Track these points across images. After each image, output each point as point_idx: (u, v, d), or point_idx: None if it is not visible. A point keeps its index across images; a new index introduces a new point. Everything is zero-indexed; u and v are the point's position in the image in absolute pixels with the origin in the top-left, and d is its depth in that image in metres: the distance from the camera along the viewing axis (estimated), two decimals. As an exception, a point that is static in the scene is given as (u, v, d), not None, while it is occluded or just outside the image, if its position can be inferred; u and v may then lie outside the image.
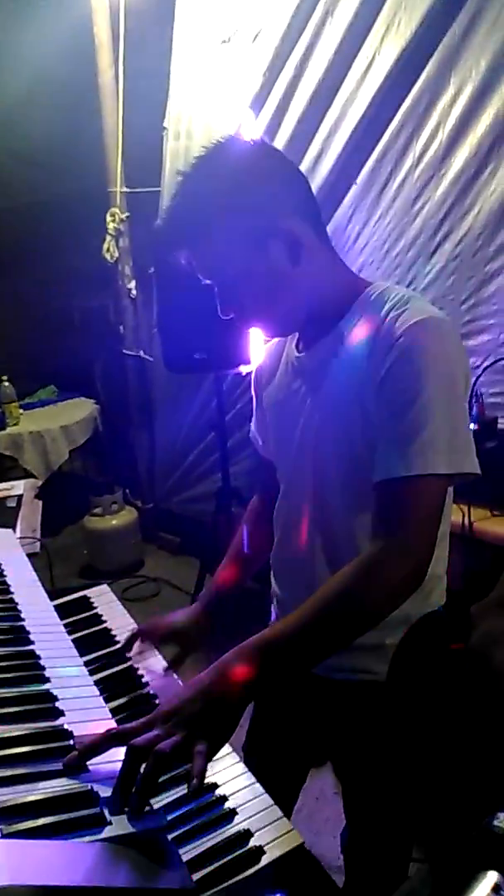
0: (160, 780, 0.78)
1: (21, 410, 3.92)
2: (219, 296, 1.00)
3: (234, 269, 0.96)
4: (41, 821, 0.69)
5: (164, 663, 1.13)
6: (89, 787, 0.75)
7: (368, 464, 0.92)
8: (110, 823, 0.72)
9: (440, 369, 0.88)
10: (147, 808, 0.76)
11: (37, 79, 3.31)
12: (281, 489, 1.16)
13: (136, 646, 1.14)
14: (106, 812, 0.73)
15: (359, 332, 0.96)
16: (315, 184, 2.68)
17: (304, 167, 2.71)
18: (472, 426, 1.82)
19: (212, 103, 3.04)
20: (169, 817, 0.78)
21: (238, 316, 1.01)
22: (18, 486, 2.18)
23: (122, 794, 0.75)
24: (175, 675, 1.12)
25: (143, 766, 0.75)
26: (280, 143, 2.78)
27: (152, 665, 1.14)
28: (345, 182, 2.58)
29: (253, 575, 1.30)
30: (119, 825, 0.72)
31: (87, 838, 0.69)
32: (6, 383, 3.79)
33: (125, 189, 3.57)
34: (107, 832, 0.71)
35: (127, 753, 0.76)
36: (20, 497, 2.10)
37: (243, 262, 0.95)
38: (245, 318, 1.03)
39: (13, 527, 1.85)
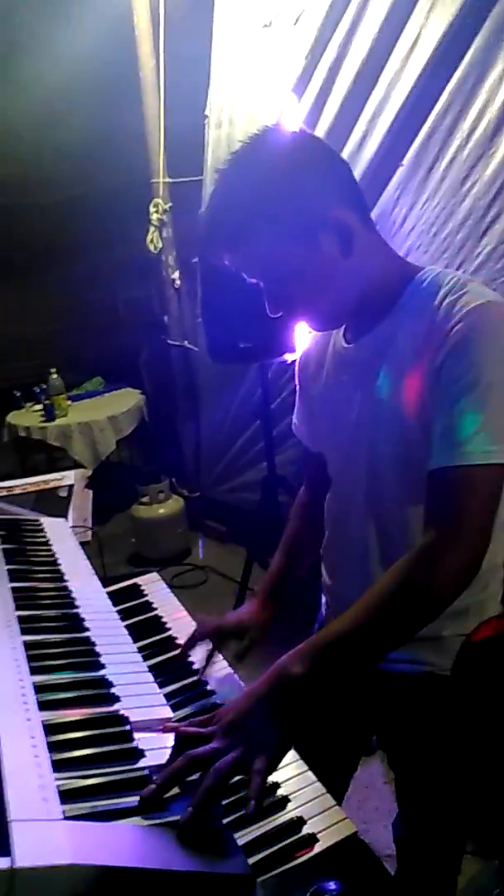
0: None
1: (69, 402, 3.99)
2: (267, 295, 0.97)
3: (283, 267, 0.94)
4: (101, 803, 0.71)
5: (218, 655, 1.13)
6: (147, 773, 0.77)
7: (425, 455, 0.90)
8: (169, 810, 0.73)
9: (499, 355, 0.85)
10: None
11: (77, 71, 3.34)
12: (333, 481, 1.14)
13: (198, 648, 1.13)
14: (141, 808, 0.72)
15: (412, 321, 0.93)
16: (360, 167, 2.64)
17: (348, 150, 2.67)
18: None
19: (254, 89, 3.01)
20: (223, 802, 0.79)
21: (287, 313, 0.99)
22: (69, 477, 2.22)
23: (162, 790, 0.73)
24: (222, 658, 1.12)
25: (197, 776, 0.74)
26: (323, 126, 2.75)
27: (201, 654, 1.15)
28: (391, 164, 2.53)
29: (306, 567, 1.29)
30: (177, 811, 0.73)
31: (147, 822, 0.70)
32: (54, 376, 3.86)
33: (168, 179, 3.58)
34: (166, 816, 0.72)
35: (182, 760, 0.74)
36: (71, 487, 2.14)
37: (293, 259, 0.92)
38: (294, 315, 1.01)
39: (65, 516, 1.89)
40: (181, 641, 1.16)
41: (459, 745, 1.09)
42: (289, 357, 2.80)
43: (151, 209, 3.59)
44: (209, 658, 1.12)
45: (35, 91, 3.43)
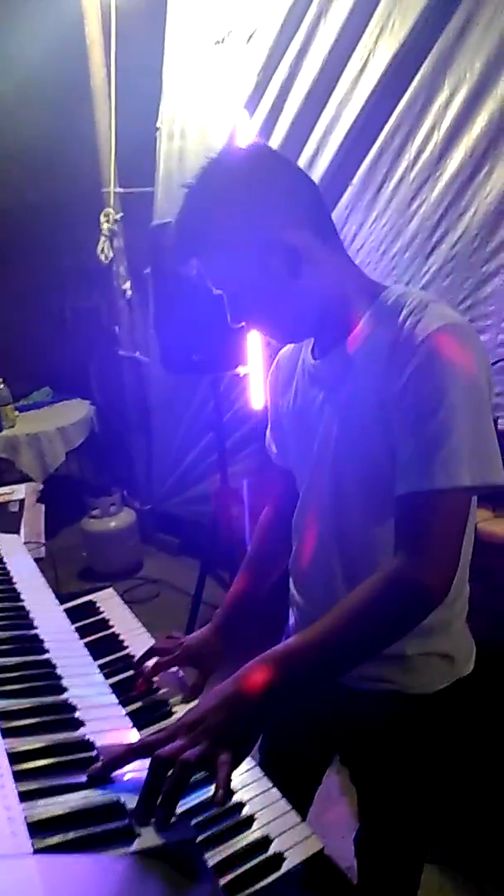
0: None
1: (16, 413, 3.90)
2: (228, 305, 1.00)
3: (238, 282, 0.97)
4: (71, 835, 0.69)
5: (174, 668, 1.13)
6: (117, 799, 0.76)
7: (389, 473, 0.91)
8: (139, 835, 0.72)
9: (462, 377, 0.85)
10: (173, 819, 0.76)
11: (27, 78, 3.29)
12: (300, 497, 1.14)
13: (151, 664, 1.11)
14: (134, 824, 0.73)
15: (376, 340, 0.94)
16: (311, 184, 2.68)
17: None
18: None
19: (206, 103, 3.03)
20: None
21: (247, 325, 1.02)
22: (20, 490, 2.18)
23: (147, 804, 0.75)
24: (182, 674, 1.12)
25: (168, 776, 0.76)
26: (275, 143, 2.77)
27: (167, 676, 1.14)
28: (341, 183, 2.58)
29: (268, 589, 1.28)
30: (148, 837, 0.72)
31: (118, 851, 0.69)
32: (1, 385, 3.77)
33: (119, 189, 3.56)
34: (136, 844, 0.71)
35: (151, 764, 0.76)
36: (22, 501, 2.10)
37: (245, 276, 0.96)
38: (254, 326, 1.04)
39: (16, 531, 1.84)
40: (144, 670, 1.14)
41: (422, 764, 1.11)
42: (241, 370, 2.81)
43: (102, 219, 3.56)
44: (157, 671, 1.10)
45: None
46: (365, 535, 1.00)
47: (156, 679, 1.09)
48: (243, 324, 1.01)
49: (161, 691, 1.09)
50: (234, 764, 0.79)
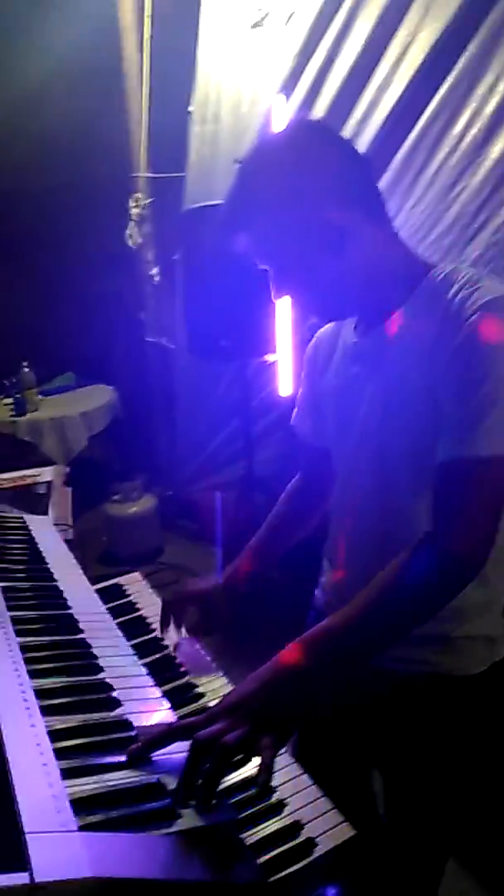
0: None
1: (40, 397, 3.91)
2: (272, 280, 1.01)
3: (281, 257, 0.98)
4: (113, 813, 0.68)
5: (202, 652, 1.14)
6: (157, 780, 0.74)
7: (435, 448, 0.90)
8: (180, 816, 0.71)
9: None
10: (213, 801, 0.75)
11: (60, 62, 3.27)
12: (338, 475, 1.14)
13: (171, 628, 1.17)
14: (175, 805, 0.72)
15: (425, 315, 0.93)
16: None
17: (334, 153, 2.67)
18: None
19: (240, 87, 2.99)
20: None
21: (293, 301, 1.04)
22: (47, 473, 2.17)
23: (187, 786, 0.74)
24: (203, 651, 1.15)
25: (208, 759, 0.75)
26: (311, 127, 2.74)
27: (190, 653, 1.14)
28: (379, 168, 2.51)
29: (283, 553, 1.31)
30: (189, 818, 0.71)
31: (161, 831, 0.68)
32: (26, 369, 3.77)
33: (149, 174, 3.53)
34: (178, 825, 0.70)
35: (192, 747, 0.75)
36: (49, 483, 2.09)
37: (289, 251, 0.97)
38: (297, 302, 1.06)
39: (44, 513, 1.84)
40: (167, 643, 1.16)
41: (458, 750, 1.09)
42: (269, 357, 2.78)
43: (131, 203, 3.54)
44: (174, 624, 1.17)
45: (15, 79, 3.35)
46: (410, 507, 0.98)
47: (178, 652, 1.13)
48: (282, 297, 1.02)
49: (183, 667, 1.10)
50: (277, 747, 0.78)
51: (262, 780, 0.74)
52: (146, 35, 3.28)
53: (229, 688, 1.05)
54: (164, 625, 1.17)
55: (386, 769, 1.20)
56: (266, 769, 0.75)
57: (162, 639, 1.19)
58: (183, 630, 1.18)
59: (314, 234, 0.94)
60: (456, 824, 1.18)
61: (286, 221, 0.94)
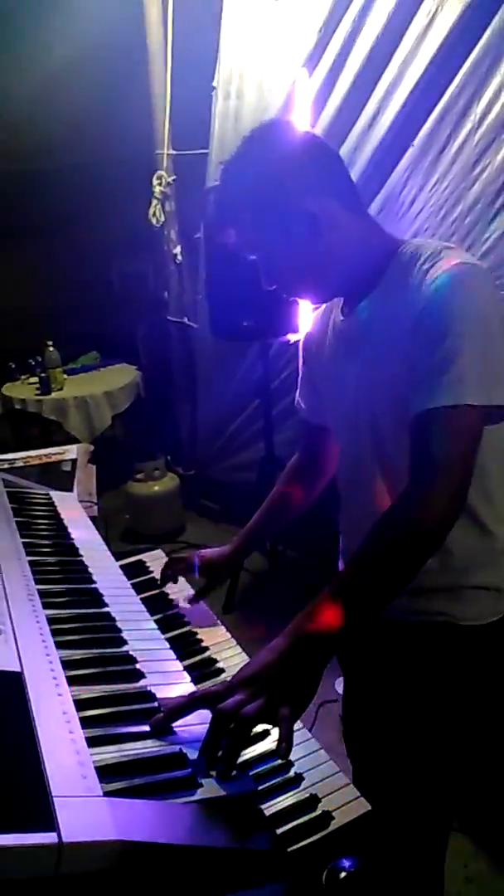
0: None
1: (65, 376, 3.95)
2: (261, 270, 1.09)
3: (268, 247, 1.06)
4: (137, 781, 0.71)
5: (226, 633, 1.18)
6: (179, 749, 0.77)
7: None
8: (202, 785, 0.73)
9: (471, 306, 0.92)
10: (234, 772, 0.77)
11: (84, 39, 3.25)
12: (340, 449, 1.22)
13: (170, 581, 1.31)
14: (197, 775, 0.74)
15: (396, 290, 1.00)
16: (370, 146, 2.61)
17: (358, 129, 2.64)
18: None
19: (263, 62, 2.96)
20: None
21: (279, 288, 1.11)
22: (72, 451, 2.21)
23: (208, 756, 0.77)
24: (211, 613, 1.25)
25: (229, 730, 0.77)
26: (334, 103, 2.71)
27: (214, 632, 1.18)
28: (401, 145, 2.50)
29: (285, 524, 1.39)
30: (210, 788, 0.74)
31: (182, 799, 0.71)
32: (50, 349, 3.81)
33: (172, 151, 3.51)
34: (199, 794, 0.72)
35: (213, 718, 0.77)
36: (74, 461, 2.13)
37: (273, 242, 1.04)
38: (286, 290, 1.12)
39: (69, 489, 1.87)
40: (189, 619, 1.22)
41: (465, 695, 1.13)
42: (292, 337, 2.78)
43: (155, 181, 3.52)
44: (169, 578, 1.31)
45: (37, 56, 3.34)
46: (405, 467, 1.01)
47: (184, 606, 1.26)
48: (275, 287, 1.10)
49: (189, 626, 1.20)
50: (294, 717, 0.80)
51: (283, 751, 0.77)
52: (170, 11, 3.24)
53: (249, 662, 1.08)
54: (165, 579, 1.31)
55: (395, 717, 1.22)
56: (286, 738, 0.77)
57: (184, 615, 1.22)
58: (186, 595, 1.30)
59: (294, 225, 1.02)
60: (458, 781, 1.21)
61: (267, 215, 1.02)
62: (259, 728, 0.83)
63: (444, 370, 0.90)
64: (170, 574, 1.33)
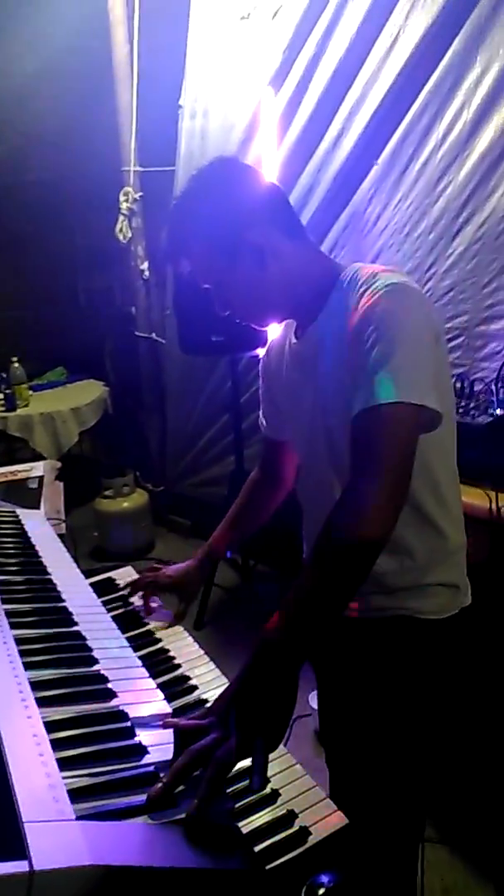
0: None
1: (31, 392, 3.90)
2: (213, 297, 1.13)
3: (216, 276, 1.10)
4: (110, 801, 0.69)
5: (199, 649, 1.17)
6: (154, 770, 0.76)
7: None
8: (178, 806, 0.72)
9: (403, 317, 0.96)
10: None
11: (49, 54, 3.26)
12: (300, 464, 1.26)
13: (138, 597, 1.31)
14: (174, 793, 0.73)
15: (339, 314, 1.04)
16: (335, 164, 2.65)
17: (323, 147, 2.69)
18: (497, 411, 1.85)
19: (230, 81, 2.99)
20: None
21: (232, 314, 1.15)
22: (38, 468, 2.18)
23: (170, 789, 0.74)
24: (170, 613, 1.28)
25: (201, 770, 0.75)
26: (300, 121, 2.75)
27: (186, 649, 1.16)
28: (365, 163, 2.55)
29: (248, 536, 1.43)
30: (186, 808, 0.72)
31: (157, 821, 0.69)
32: (16, 364, 3.76)
33: (139, 168, 3.52)
34: (175, 814, 0.71)
35: (184, 757, 0.76)
36: (41, 478, 2.09)
37: (221, 273, 1.09)
38: (238, 316, 1.16)
39: (36, 507, 1.84)
40: (160, 635, 1.21)
41: (429, 696, 1.16)
42: (261, 352, 2.79)
43: (122, 198, 3.52)
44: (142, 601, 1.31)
45: (3, 72, 3.32)
46: None
47: (149, 609, 1.29)
48: (228, 312, 1.14)
49: (151, 624, 1.23)
50: (270, 748, 0.79)
51: (258, 784, 0.76)
52: (136, 30, 3.26)
53: (222, 680, 1.08)
54: (133, 593, 1.32)
55: (366, 712, 1.22)
56: (260, 771, 0.76)
57: (154, 632, 1.21)
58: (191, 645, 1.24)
59: (241, 257, 1.07)
60: (430, 779, 1.23)
61: (216, 249, 1.07)
62: None
63: (378, 371, 0.93)
64: (140, 595, 1.33)
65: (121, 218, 3.56)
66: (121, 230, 3.58)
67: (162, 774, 0.75)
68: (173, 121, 3.24)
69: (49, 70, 3.28)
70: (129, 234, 3.61)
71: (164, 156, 3.33)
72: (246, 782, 0.83)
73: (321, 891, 0.75)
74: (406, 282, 1.01)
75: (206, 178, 1.11)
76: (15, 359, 3.76)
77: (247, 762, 0.80)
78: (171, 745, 0.80)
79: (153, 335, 3.81)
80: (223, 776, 0.76)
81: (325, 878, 0.78)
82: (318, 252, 1.16)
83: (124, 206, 3.53)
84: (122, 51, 3.35)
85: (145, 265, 3.71)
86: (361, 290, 1.01)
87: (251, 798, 0.82)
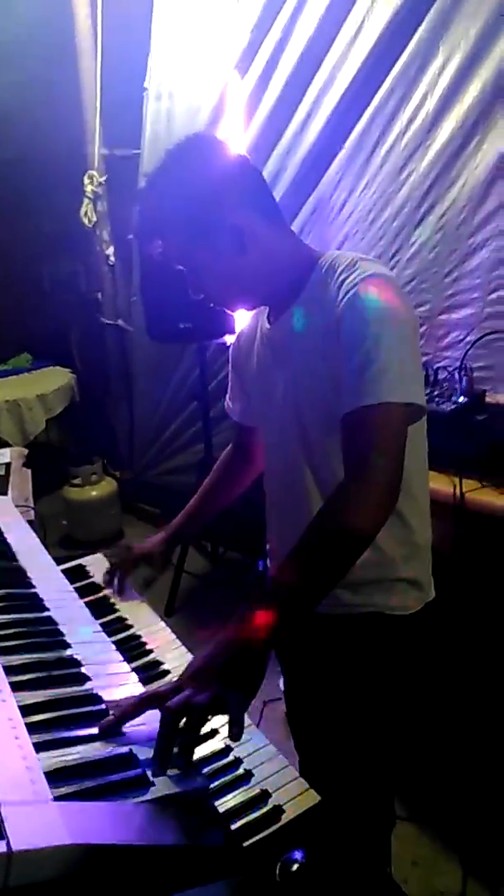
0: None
1: (-5, 379, 3.85)
2: (188, 280, 1.11)
3: (193, 259, 1.08)
4: (87, 783, 0.70)
5: (171, 635, 1.17)
6: (129, 750, 0.76)
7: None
8: (153, 784, 0.73)
9: (384, 312, 0.96)
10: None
11: (9, 33, 3.17)
12: (268, 452, 1.25)
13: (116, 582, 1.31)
14: (148, 773, 0.73)
15: (316, 301, 1.04)
16: (302, 147, 2.65)
17: (290, 131, 2.68)
18: (460, 399, 1.88)
19: (196, 63, 2.95)
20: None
21: (206, 297, 1.13)
22: (5, 454, 2.15)
23: (163, 755, 0.76)
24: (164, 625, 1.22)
25: (182, 724, 0.76)
26: (266, 105, 2.73)
27: (158, 634, 1.16)
28: (332, 147, 2.54)
29: (215, 514, 1.46)
30: (163, 786, 0.73)
31: (134, 799, 0.70)
32: (-21, 351, 3.70)
33: (104, 150, 3.46)
34: (151, 793, 0.72)
35: (163, 717, 0.77)
36: (8, 465, 2.07)
37: (198, 254, 1.07)
38: (212, 299, 1.14)
39: (4, 494, 1.83)
40: (131, 622, 1.20)
41: (395, 686, 1.19)
42: (228, 339, 2.79)
43: (86, 181, 3.47)
44: (118, 581, 1.31)
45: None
46: (334, 470, 1.05)
47: (122, 589, 1.29)
48: (202, 296, 1.12)
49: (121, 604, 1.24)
50: (245, 702, 0.81)
51: (235, 733, 0.78)
52: (99, 6, 3.20)
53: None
54: (109, 584, 1.30)
55: (333, 704, 1.25)
56: (236, 722, 0.78)
57: (127, 618, 1.21)
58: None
59: (219, 239, 1.04)
60: (397, 763, 1.27)
61: (193, 229, 1.04)
62: (207, 728, 0.83)
63: (365, 371, 0.93)
64: (116, 577, 1.32)
65: (85, 201, 3.50)
66: (86, 214, 3.53)
67: (135, 750, 0.77)
68: (139, 104, 3.19)
69: (10, 48, 3.20)
70: (95, 218, 3.56)
71: (130, 139, 3.28)
72: (219, 763, 0.85)
73: (295, 867, 0.77)
74: (384, 272, 1.02)
75: (184, 154, 1.07)
76: (-22, 345, 3.71)
77: (218, 743, 0.82)
78: (147, 726, 0.81)
79: (120, 322, 3.77)
80: (201, 725, 0.77)
81: (298, 855, 0.80)
82: (295, 237, 1.15)
83: (89, 189, 3.48)
84: (86, 29, 3.28)
85: (111, 250, 3.67)
86: (340, 278, 1.01)
87: (226, 778, 0.84)
